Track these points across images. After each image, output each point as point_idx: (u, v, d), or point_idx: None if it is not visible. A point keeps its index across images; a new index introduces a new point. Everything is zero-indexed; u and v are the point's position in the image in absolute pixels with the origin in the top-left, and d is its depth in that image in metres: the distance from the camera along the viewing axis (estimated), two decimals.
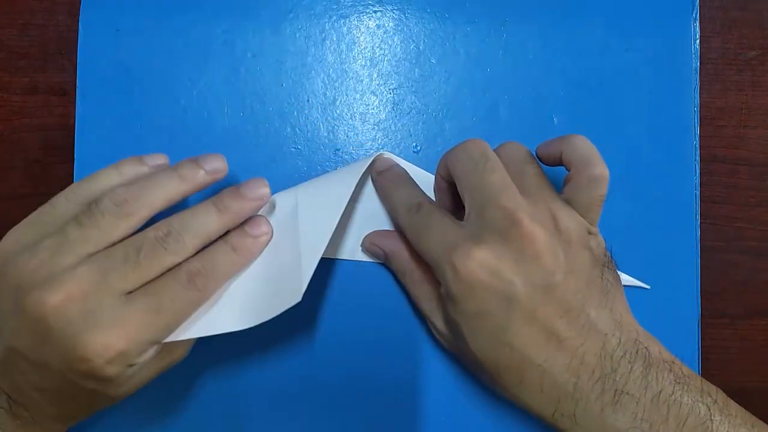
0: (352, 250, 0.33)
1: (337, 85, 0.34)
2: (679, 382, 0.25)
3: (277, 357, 0.33)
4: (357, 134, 0.34)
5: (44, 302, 0.23)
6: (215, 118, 0.34)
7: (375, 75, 0.34)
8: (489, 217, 0.26)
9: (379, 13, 0.34)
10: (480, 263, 0.25)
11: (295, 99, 0.34)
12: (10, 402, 0.26)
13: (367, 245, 0.32)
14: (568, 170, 0.28)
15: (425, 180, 0.32)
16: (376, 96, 0.34)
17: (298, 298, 0.26)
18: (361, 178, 0.30)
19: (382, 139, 0.34)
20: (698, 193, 0.34)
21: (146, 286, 0.25)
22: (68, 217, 0.26)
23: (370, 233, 0.32)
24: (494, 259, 0.25)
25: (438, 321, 0.30)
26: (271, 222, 0.29)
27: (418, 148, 0.34)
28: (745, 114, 0.36)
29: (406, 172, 0.32)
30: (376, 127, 0.34)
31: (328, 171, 0.33)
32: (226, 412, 0.33)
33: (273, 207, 0.30)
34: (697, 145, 0.34)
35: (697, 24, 0.34)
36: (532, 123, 0.34)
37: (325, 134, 0.34)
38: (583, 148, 0.27)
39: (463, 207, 0.28)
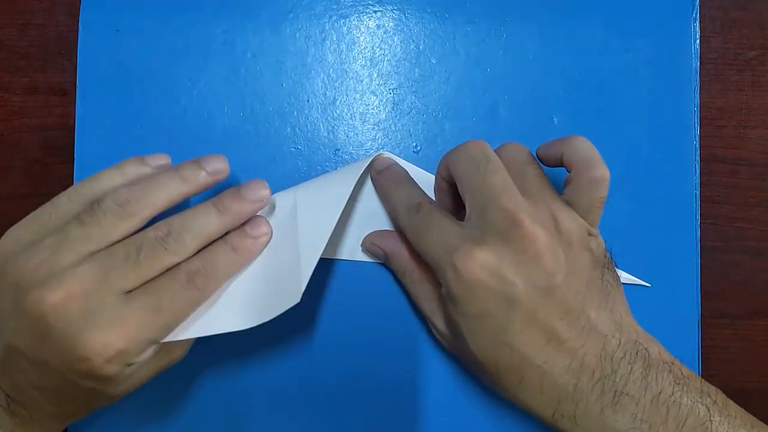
0: (352, 250, 0.33)
1: (337, 85, 0.34)
2: (678, 383, 0.25)
3: (277, 357, 0.33)
4: (357, 134, 0.34)
5: (44, 301, 0.23)
6: (215, 118, 0.34)
7: (375, 75, 0.34)
8: (490, 218, 0.26)
9: (379, 13, 0.34)
10: (481, 264, 0.25)
11: (295, 99, 0.34)
12: (8, 400, 0.26)
13: (367, 245, 0.32)
14: (569, 171, 0.28)
15: (425, 180, 0.32)
16: (376, 96, 0.34)
17: (297, 299, 0.26)
18: (360, 177, 0.30)
19: (382, 139, 0.34)
20: (698, 193, 0.34)
21: (146, 286, 0.25)
22: (70, 217, 0.26)
23: (370, 233, 0.32)
24: (495, 260, 0.25)
25: (438, 321, 0.30)
26: (270, 222, 0.29)
27: (418, 148, 0.34)
28: (745, 114, 0.36)
29: (406, 171, 0.32)
30: (376, 127, 0.34)
31: (328, 171, 0.33)
32: (225, 412, 0.33)
33: (272, 207, 0.30)
34: (697, 145, 0.34)
35: (697, 24, 0.34)
36: (532, 123, 0.34)
37: (325, 134, 0.34)
38: (584, 149, 0.27)
39: (464, 207, 0.28)
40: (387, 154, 0.33)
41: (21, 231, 0.26)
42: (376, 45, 0.34)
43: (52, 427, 0.28)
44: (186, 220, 0.26)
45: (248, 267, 0.28)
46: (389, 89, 0.34)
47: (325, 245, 0.27)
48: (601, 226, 0.28)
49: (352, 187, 0.29)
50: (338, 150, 0.34)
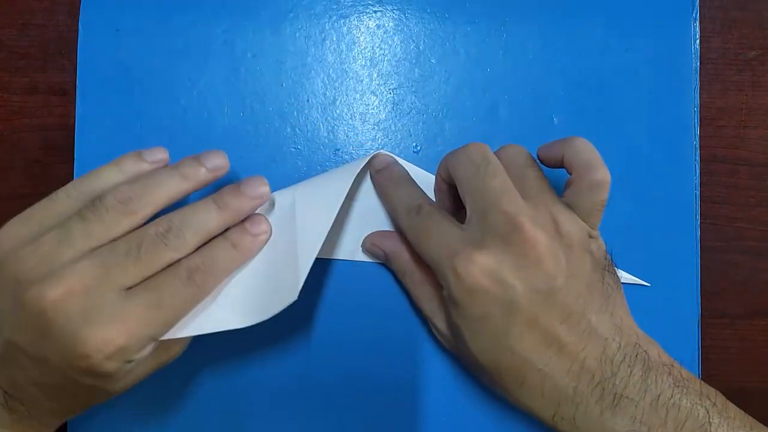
0: (352, 251, 0.33)
1: (337, 85, 0.34)
2: (678, 386, 0.25)
3: (277, 356, 0.33)
4: (357, 134, 0.34)
5: (44, 297, 0.23)
6: (215, 118, 0.34)
7: (375, 75, 0.34)
8: (491, 222, 0.26)
9: (379, 13, 0.34)
10: (482, 268, 0.25)
11: (295, 99, 0.34)
12: (6, 397, 0.26)
13: (368, 246, 0.32)
14: (570, 173, 0.28)
15: (425, 180, 0.32)
16: (376, 96, 0.34)
17: (295, 297, 0.26)
18: (358, 175, 0.30)
19: (382, 139, 0.34)
20: (698, 193, 0.34)
21: (146, 282, 0.25)
22: (69, 213, 0.26)
23: (371, 234, 0.32)
24: (496, 264, 0.25)
25: (439, 322, 0.30)
26: (270, 220, 0.29)
27: (418, 148, 0.34)
28: (745, 114, 0.36)
29: (406, 170, 0.32)
30: (376, 127, 0.34)
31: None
32: (224, 410, 0.33)
33: (272, 205, 0.30)
34: (697, 145, 0.34)
35: (697, 24, 0.34)
36: (532, 123, 0.34)
37: (325, 134, 0.34)
38: (585, 151, 0.27)
39: (464, 208, 0.28)
40: (385, 153, 0.33)
41: (19, 226, 0.26)
42: (376, 45, 0.34)
43: (50, 423, 0.28)
44: (186, 216, 0.26)
45: (247, 265, 0.28)
46: (389, 89, 0.34)
47: (322, 242, 0.27)
48: (601, 227, 0.28)
49: (350, 184, 0.29)
50: (338, 150, 0.34)
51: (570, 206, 0.27)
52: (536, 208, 0.26)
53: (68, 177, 0.33)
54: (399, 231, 0.32)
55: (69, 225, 0.25)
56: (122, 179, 0.27)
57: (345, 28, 0.34)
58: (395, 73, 0.34)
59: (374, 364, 0.33)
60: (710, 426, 0.24)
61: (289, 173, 0.33)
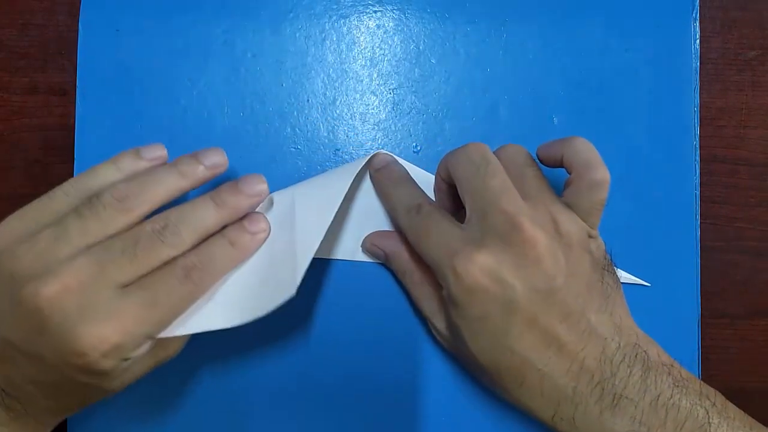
0: (352, 251, 0.33)
1: (337, 85, 0.34)
2: (677, 386, 0.25)
3: (276, 356, 0.33)
4: (357, 134, 0.34)
5: (40, 294, 0.23)
6: (215, 118, 0.34)
7: (375, 75, 0.34)
8: (490, 221, 0.26)
9: (379, 13, 0.34)
10: (481, 268, 0.25)
11: (295, 99, 0.34)
12: (2, 395, 0.26)
13: (368, 246, 0.32)
14: (569, 173, 0.28)
15: (425, 180, 0.32)
16: (376, 96, 0.34)
17: (293, 292, 0.26)
18: (357, 175, 0.30)
19: (382, 139, 0.34)
20: (698, 193, 0.34)
21: (142, 279, 0.25)
22: (66, 211, 0.26)
23: (371, 234, 0.32)
24: (495, 263, 0.25)
25: (438, 322, 0.30)
26: (268, 219, 0.29)
27: (418, 148, 0.34)
28: (745, 114, 0.36)
29: (405, 170, 0.32)
30: (376, 127, 0.34)
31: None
32: (224, 410, 0.33)
33: (271, 205, 0.30)
34: (697, 145, 0.34)
35: (697, 24, 0.34)
36: (532, 123, 0.34)
37: (325, 134, 0.34)
38: (585, 151, 0.27)
39: (464, 208, 0.28)
40: (385, 153, 0.33)
41: (15, 223, 0.26)
42: (376, 45, 0.34)
43: (47, 421, 0.28)
44: (183, 214, 0.26)
45: (245, 263, 0.28)
46: (389, 89, 0.34)
47: (321, 239, 0.27)
48: (601, 227, 0.28)
49: (350, 183, 0.29)
50: (338, 150, 0.34)
51: (569, 206, 0.27)
52: (535, 207, 0.26)
53: (68, 177, 0.32)
54: (399, 231, 0.32)
55: (66, 222, 0.25)
56: (120, 177, 0.27)
57: (345, 28, 0.34)
58: (395, 73, 0.34)
59: (374, 364, 0.33)
60: (710, 426, 0.24)
61: (289, 173, 0.33)
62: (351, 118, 0.34)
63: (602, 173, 0.27)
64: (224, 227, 0.28)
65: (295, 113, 0.34)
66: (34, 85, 0.35)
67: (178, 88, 0.33)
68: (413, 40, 0.34)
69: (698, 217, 0.34)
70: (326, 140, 0.34)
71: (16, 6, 0.35)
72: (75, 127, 0.33)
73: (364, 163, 0.31)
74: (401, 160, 0.33)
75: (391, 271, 0.33)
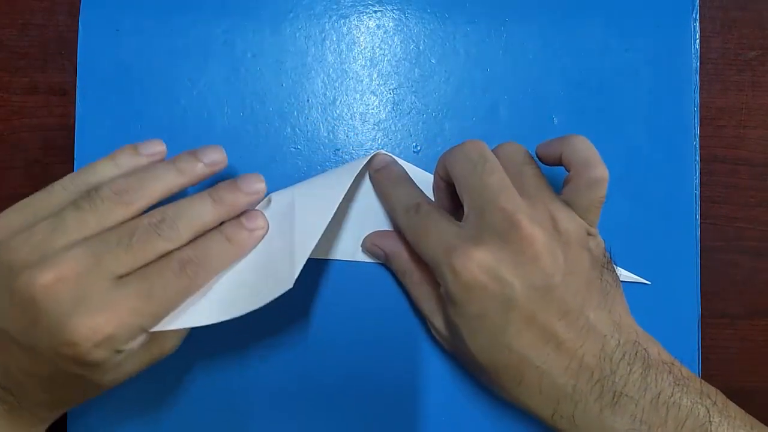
0: (351, 251, 0.33)
1: (337, 85, 0.34)
2: (678, 384, 0.25)
3: (275, 356, 0.33)
4: (357, 134, 0.34)
5: (34, 283, 0.23)
6: (215, 118, 0.34)
7: (375, 75, 0.34)
8: (488, 219, 0.26)
9: (379, 13, 0.34)
10: (479, 265, 0.25)
11: (295, 99, 0.34)
12: None
13: (368, 246, 0.32)
14: (568, 171, 0.28)
15: (424, 180, 0.32)
16: (376, 96, 0.34)
17: (290, 285, 0.25)
18: (357, 176, 0.30)
19: (382, 139, 0.34)
20: (698, 193, 0.34)
21: (138, 272, 0.25)
22: (65, 204, 0.26)
23: (371, 234, 0.32)
24: (493, 260, 0.25)
25: (438, 322, 0.30)
26: (267, 217, 0.29)
27: (418, 148, 0.34)
28: (745, 114, 0.36)
29: (404, 170, 0.32)
30: (376, 127, 0.34)
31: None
32: (223, 409, 0.33)
33: (269, 203, 0.30)
34: (697, 145, 0.34)
35: (697, 24, 0.34)
36: (532, 123, 0.34)
37: (325, 134, 0.34)
38: (583, 149, 0.27)
39: (462, 206, 0.28)
40: (384, 153, 0.33)
41: (13, 215, 0.26)
42: (376, 45, 0.34)
43: (42, 415, 0.28)
44: (181, 208, 0.26)
45: (242, 260, 0.28)
46: (389, 89, 0.34)
47: (320, 235, 0.27)
48: (600, 227, 0.28)
49: (350, 183, 0.29)
50: (338, 150, 0.34)
51: (568, 204, 0.27)
52: (534, 205, 0.26)
53: None
54: (398, 231, 0.32)
55: (63, 214, 0.25)
56: (118, 173, 0.27)
57: (345, 28, 0.34)
58: (395, 73, 0.34)
59: (374, 364, 0.33)
60: (711, 425, 0.24)
61: (289, 173, 0.33)
62: (351, 118, 0.34)
63: (601, 171, 0.27)
64: (222, 224, 0.28)
65: (295, 113, 0.34)
66: (34, 85, 0.35)
67: (178, 88, 0.34)
68: (413, 40, 0.34)
69: (698, 217, 0.34)
70: (326, 140, 0.34)
71: (16, 6, 0.35)
72: (75, 127, 0.33)
73: (364, 164, 0.31)
74: (401, 161, 0.33)
75: (391, 271, 0.33)
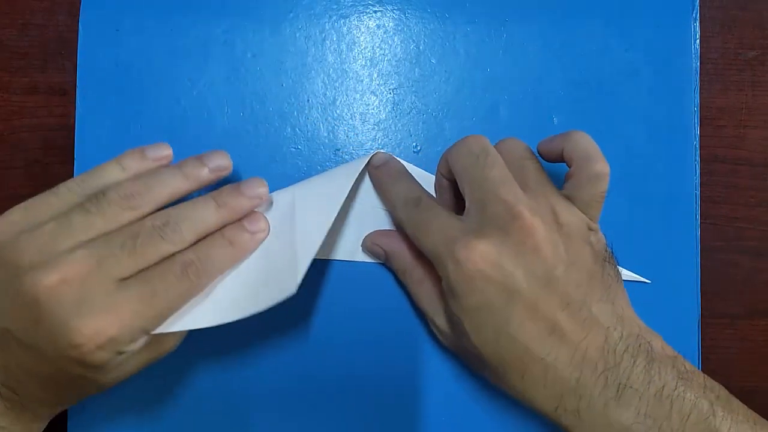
0: (352, 251, 0.33)
1: (337, 85, 0.34)
2: (682, 378, 0.25)
3: (276, 356, 0.33)
4: (357, 134, 0.34)
5: (38, 284, 0.23)
6: (215, 118, 0.34)
7: (375, 75, 0.34)
8: (489, 211, 0.26)
9: (379, 13, 0.34)
10: (481, 256, 0.25)
11: (295, 99, 0.34)
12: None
13: (368, 245, 0.32)
14: (569, 167, 0.28)
15: (425, 180, 0.32)
16: (376, 96, 0.34)
17: (293, 291, 0.26)
18: (358, 176, 0.30)
19: (382, 139, 0.34)
20: (698, 193, 0.34)
21: (141, 274, 0.25)
22: (71, 206, 0.26)
23: (371, 233, 0.32)
24: (495, 251, 0.25)
25: (439, 320, 0.29)
26: (268, 219, 0.29)
27: (418, 148, 0.34)
28: (745, 114, 0.36)
29: (404, 166, 0.32)
30: (376, 127, 0.34)
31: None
32: (223, 409, 0.33)
33: (270, 205, 0.30)
34: (697, 145, 0.34)
35: (697, 24, 0.34)
36: (532, 123, 0.34)
37: (325, 134, 0.34)
38: (584, 144, 0.27)
39: (464, 206, 0.28)
40: (384, 152, 0.33)
41: (17, 215, 0.26)
42: (376, 45, 0.34)
43: (42, 412, 0.28)
44: (184, 212, 0.27)
45: (243, 263, 0.28)
46: (389, 89, 0.34)
47: (323, 239, 0.27)
48: (601, 226, 0.28)
49: (351, 184, 0.29)
50: (338, 150, 0.34)
51: (570, 198, 0.27)
52: (535, 199, 0.26)
53: (68, 177, 0.32)
54: (399, 229, 0.32)
55: (70, 216, 0.25)
56: (124, 177, 0.28)
57: (345, 28, 0.34)
58: (395, 73, 0.34)
59: (374, 363, 0.33)
60: (715, 419, 0.24)
61: (289, 173, 0.33)
62: (351, 118, 0.34)
63: (602, 165, 0.27)
64: (224, 227, 0.28)
65: (295, 113, 0.34)
66: (34, 85, 0.35)
67: (178, 88, 0.34)
68: (413, 40, 0.34)
69: (698, 217, 0.34)
70: (326, 140, 0.34)
71: (16, 6, 0.35)
72: (75, 127, 0.33)
73: (363, 165, 0.31)
74: (401, 161, 0.33)
75: (391, 271, 0.33)
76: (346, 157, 0.34)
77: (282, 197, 0.30)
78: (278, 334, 0.33)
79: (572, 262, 0.26)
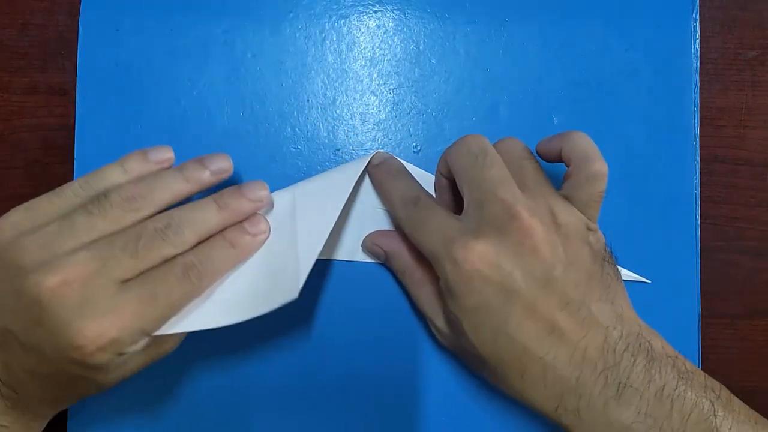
0: (352, 251, 0.33)
1: (337, 85, 0.34)
2: (682, 377, 0.25)
3: (276, 356, 0.33)
4: (357, 134, 0.34)
5: (40, 285, 0.23)
6: (215, 118, 0.34)
7: (375, 75, 0.34)
8: (487, 211, 0.26)
9: (379, 13, 0.34)
10: (479, 255, 0.25)
11: (295, 99, 0.34)
12: (0, 384, 0.26)
13: (368, 245, 0.32)
14: (568, 167, 0.28)
15: (425, 180, 0.32)
16: (376, 96, 0.34)
17: (295, 295, 0.26)
18: (359, 177, 0.30)
19: (382, 139, 0.34)
20: (698, 193, 0.34)
21: (142, 276, 0.25)
22: (74, 207, 0.26)
23: (371, 233, 0.32)
24: (493, 251, 0.25)
25: (439, 320, 0.29)
26: (268, 220, 0.29)
27: (418, 148, 0.34)
28: (745, 114, 0.36)
29: (403, 165, 0.32)
30: (376, 127, 0.34)
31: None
32: (223, 407, 0.33)
33: (271, 206, 0.30)
34: (697, 145, 0.34)
35: (697, 24, 0.34)
36: (532, 123, 0.34)
37: (325, 134, 0.34)
38: (583, 144, 0.27)
39: (463, 206, 0.28)
40: (383, 152, 0.33)
41: (20, 216, 0.26)
42: (376, 45, 0.34)
43: (42, 412, 0.28)
44: (186, 214, 0.27)
45: (244, 264, 0.28)
46: (389, 89, 0.34)
47: (324, 241, 0.27)
48: (601, 226, 0.28)
49: (352, 186, 0.29)
50: (338, 150, 0.34)
51: (568, 198, 0.27)
52: (534, 199, 0.26)
53: (68, 177, 0.33)
54: (398, 230, 0.32)
55: (73, 217, 0.25)
56: (126, 179, 0.28)
57: (345, 28, 0.34)
58: (395, 73, 0.34)
59: (374, 363, 0.33)
60: (715, 418, 0.24)
61: (289, 173, 0.33)
62: (351, 118, 0.34)
63: (600, 165, 0.27)
64: (225, 229, 0.28)
65: (295, 113, 0.34)
66: (34, 85, 0.35)
67: (178, 88, 0.34)
68: (413, 40, 0.34)
69: (698, 217, 0.34)
70: (326, 140, 0.34)
71: (16, 6, 0.35)
72: (75, 127, 0.33)
73: (364, 166, 0.31)
74: (401, 161, 0.33)
75: (391, 271, 0.33)
76: (346, 157, 0.34)
77: (282, 199, 0.30)
78: (278, 333, 0.33)
79: (571, 262, 0.26)
